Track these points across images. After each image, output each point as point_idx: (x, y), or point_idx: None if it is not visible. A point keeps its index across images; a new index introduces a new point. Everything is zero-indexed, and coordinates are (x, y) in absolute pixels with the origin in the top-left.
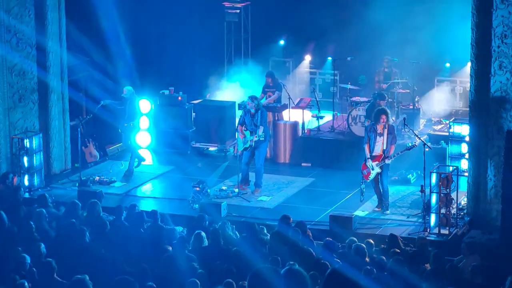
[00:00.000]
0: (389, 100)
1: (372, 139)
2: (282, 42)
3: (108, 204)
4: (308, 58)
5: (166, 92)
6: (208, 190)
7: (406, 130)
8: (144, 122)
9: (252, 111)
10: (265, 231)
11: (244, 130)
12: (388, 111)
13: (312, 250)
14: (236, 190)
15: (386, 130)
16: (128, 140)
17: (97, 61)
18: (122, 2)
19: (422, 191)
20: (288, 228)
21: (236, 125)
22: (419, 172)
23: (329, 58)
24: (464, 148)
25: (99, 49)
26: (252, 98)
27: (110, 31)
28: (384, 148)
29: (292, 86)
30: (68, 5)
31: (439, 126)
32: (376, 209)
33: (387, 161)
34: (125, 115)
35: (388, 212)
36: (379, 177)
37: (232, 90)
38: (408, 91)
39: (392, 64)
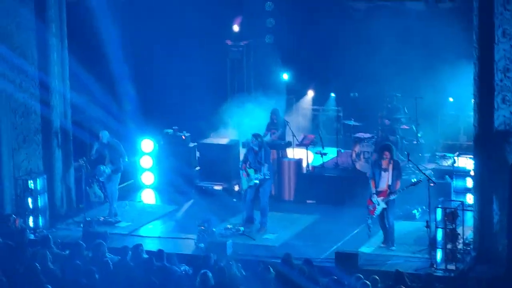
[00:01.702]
0: (392, 137)
1: (377, 175)
2: (285, 76)
3: (113, 245)
4: (311, 94)
5: (170, 131)
6: (214, 229)
7: (410, 165)
8: (147, 162)
9: (256, 148)
10: (271, 270)
11: (248, 168)
12: (393, 147)
13: None
14: (241, 228)
15: (391, 166)
16: (112, 186)
17: (101, 100)
18: (127, 40)
19: (428, 226)
20: (291, 267)
21: (240, 164)
22: (424, 207)
23: (332, 94)
24: (469, 182)
25: (103, 88)
26: (255, 135)
27: (114, 70)
28: (389, 183)
29: (296, 123)
30: (72, 44)
31: (444, 161)
32: (382, 245)
33: (392, 197)
34: (104, 161)
35: (393, 248)
36: (384, 212)
37: (236, 128)
38: (412, 126)
39: (395, 100)
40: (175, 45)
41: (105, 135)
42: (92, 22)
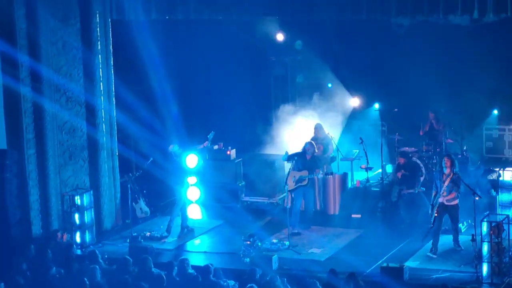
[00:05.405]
0: (437, 150)
1: (439, 187)
2: (329, 85)
3: (159, 260)
4: (355, 108)
5: (215, 146)
6: (259, 243)
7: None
8: (192, 177)
9: (309, 154)
10: (318, 284)
11: (298, 170)
12: (454, 158)
13: None
14: (287, 242)
15: (449, 178)
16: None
17: (145, 117)
18: (169, 58)
19: (473, 240)
20: (337, 282)
21: (286, 177)
22: (469, 221)
23: (376, 106)
24: None
25: (147, 105)
26: (311, 143)
27: (158, 87)
28: (445, 195)
29: (341, 138)
30: (116, 63)
31: (489, 175)
32: (429, 253)
33: (454, 202)
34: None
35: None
36: (449, 218)
37: (281, 143)
38: (457, 140)
39: (439, 115)
40: (219, 61)
41: (175, 148)
42: (136, 41)
